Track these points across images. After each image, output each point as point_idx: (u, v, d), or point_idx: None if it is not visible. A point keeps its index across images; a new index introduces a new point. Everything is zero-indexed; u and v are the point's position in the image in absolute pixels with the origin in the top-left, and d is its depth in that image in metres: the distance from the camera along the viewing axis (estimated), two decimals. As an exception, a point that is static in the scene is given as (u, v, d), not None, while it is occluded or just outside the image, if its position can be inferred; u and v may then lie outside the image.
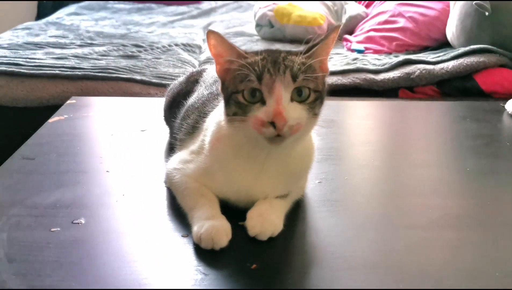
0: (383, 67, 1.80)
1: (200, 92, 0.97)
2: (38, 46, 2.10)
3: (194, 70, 1.13)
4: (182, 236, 0.72)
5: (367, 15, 2.58)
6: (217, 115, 0.79)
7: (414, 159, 1.08)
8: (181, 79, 1.12)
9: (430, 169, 1.01)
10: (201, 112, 0.88)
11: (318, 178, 0.92)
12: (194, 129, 0.87)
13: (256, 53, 0.72)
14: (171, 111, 1.02)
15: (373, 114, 1.43)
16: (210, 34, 0.71)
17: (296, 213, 0.80)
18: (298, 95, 0.69)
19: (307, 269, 0.67)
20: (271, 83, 0.68)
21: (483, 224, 0.80)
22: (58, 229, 0.72)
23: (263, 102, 0.69)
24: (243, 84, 0.69)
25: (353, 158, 1.08)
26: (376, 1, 2.66)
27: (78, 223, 0.74)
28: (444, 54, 1.88)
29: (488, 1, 1.79)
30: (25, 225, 0.73)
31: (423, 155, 1.10)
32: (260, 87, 0.68)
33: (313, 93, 0.70)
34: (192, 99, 0.96)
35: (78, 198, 0.82)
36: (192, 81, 1.05)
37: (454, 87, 1.74)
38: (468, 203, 0.87)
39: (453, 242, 0.74)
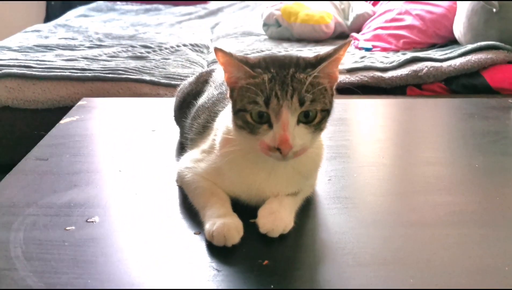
0: (390, 65, 1.80)
1: (210, 92, 0.98)
2: (48, 48, 2.12)
3: (204, 70, 1.14)
4: (195, 233, 0.73)
5: (374, 13, 2.58)
6: (226, 116, 0.81)
7: (423, 156, 1.08)
8: (191, 79, 1.13)
9: (439, 166, 1.01)
10: (211, 112, 0.89)
11: (328, 176, 0.93)
12: (204, 128, 0.89)
13: (264, 65, 0.72)
14: (182, 111, 1.03)
15: (382, 112, 1.44)
16: (218, 52, 0.71)
17: (307, 210, 0.81)
18: (305, 116, 0.70)
19: (318, 265, 0.69)
20: (278, 108, 0.68)
21: (491, 221, 0.80)
22: (73, 227, 0.74)
23: (270, 124, 0.70)
24: (251, 106, 0.70)
25: (362, 156, 1.09)
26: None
27: (92, 221, 0.76)
28: (452, 52, 1.88)
29: (495, -2, 1.79)
30: (41, 225, 0.75)
31: (431, 153, 1.10)
32: (267, 111, 0.69)
33: (320, 113, 0.71)
34: (202, 99, 0.97)
35: (91, 198, 0.83)
36: (202, 81, 1.06)
37: (462, 84, 1.74)
38: (476, 200, 0.87)
39: (461, 238, 0.75)
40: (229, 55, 0.71)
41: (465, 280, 0.65)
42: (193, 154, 0.86)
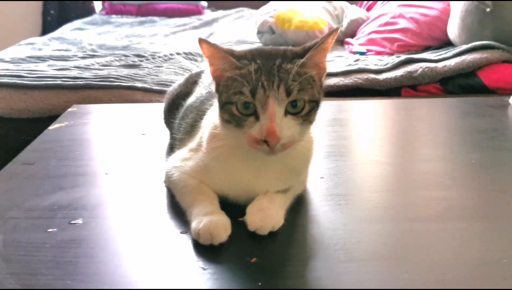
0: (385, 66, 1.78)
1: (198, 92, 0.96)
2: (41, 59, 2.11)
3: (193, 72, 1.12)
4: (181, 233, 0.71)
5: (368, 18, 2.57)
6: (214, 113, 0.79)
7: (419, 154, 1.06)
8: (180, 81, 1.11)
9: (435, 163, 0.99)
10: (200, 110, 0.87)
11: (320, 174, 0.90)
12: (192, 128, 0.86)
13: (250, 56, 0.70)
14: (171, 113, 1.01)
15: (376, 112, 1.42)
16: (202, 43, 0.69)
17: (298, 207, 0.78)
18: (292, 107, 0.68)
19: (308, 261, 0.66)
20: (264, 98, 0.66)
21: (488, 215, 0.78)
22: (55, 229, 0.71)
23: (256, 116, 0.67)
24: (236, 97, 0.68)
25: (356, 155, 1.07)
26: (377, 2, 2.66)
27: (76, 223, 0.73)
28: (446, 52, 1.86)
29: (488, -3, 1.78)
30: (22, 227, 0.72)
31: (427, 150, 1.08)
32: (253, 101, 0.67)
33: (308, 104, 0.69)
34: (190, 99, 0.96)
35: (76, 200, 0.81)
36: (191, 82, 1.05)
37: (457, 84, 1.72)
38: (473, 195, 0.85)
39: (459, 232, 0.72)
40: (214, 46, 0.69)
41: (463, 273, 0.62)
42: (180, 153, 0.84)
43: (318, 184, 0.87)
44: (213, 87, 0.75)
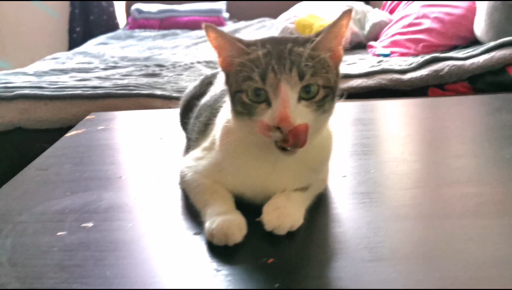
0: (409, 66, 1.72)
1: (212, 91, 0.93)
2: (63, 72, 2.12)
3: (209, 74, 1.10)
4: (194, 234, 0.67)
5: (390, 21, 2.51)
6: (227, 110, 0.75)
7: (447, 150, 1.00)
8: (195, 83, 1.09)
9: (465, 159, 0.93)
10: (213, 108, 0.84)
11: (343, 173, 0.86)
12: (206, 126, 0.83)
13: (260, 44, 0.67)
14: (186, 114, 0.99)
15: (401, 111, 1.36)
16: (208, 29, 0.66)
17: (318, 206, 0.74)
18: (306, 92, 0.63)
19: (329, 261, 0.61)
20: (276, 83, 0.62)
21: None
22: (64, 233, 0.69)
23: (268, 102, 0.63)
24: (246, 84, 0.64)
25: (381, 153, 1.01)
26: (400, 3, 2.60)
27: (86, 226, 0.70)
28: (474, 50, 1.79)
29: (516, -9, 1.71)
30: (31, 231, 0.70)
31: (456, 147, 1.02)
32: (264, 87, 0.63)
33: (323, 89, 0.64)
34: (205, 98, 0.93)
35: (88, 204, 0.78)
36: (207, 83, 1.02)
37: (487, 82, 1.64)
38: (505, 190, 0.79)
39: (492, 229, 0.66)
40: (220, 32, 0.67)
41: (498, 271, 0.57)
42: (194, 153, 0.81)
43: (341, 183, 0.82)
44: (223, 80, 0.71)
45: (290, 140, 0.62)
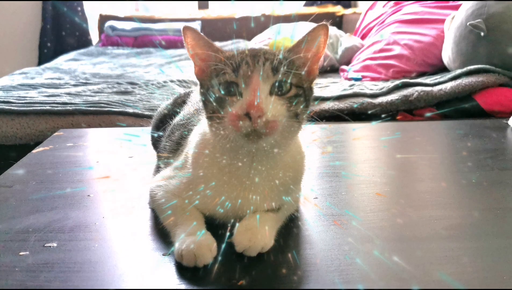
0: (380, 91, 1.76)
1: (186, 110, 0.92)
2: (32, 87, 2.08)
3: (182, 92, 1.09)
4: (163, 255, 0.66)
5: (362, 46, 2.57)
6: (201, 128, 0.75)
7: (416, 174, 1.02)
8: (168, 102, 1.08)
9: (433, 182, 0.95)
10: (186, 128, 0.83)
11: (314, 195, 0.86)
12: (178, 145, 0.83)
13: (236, 51, 0.69)
14: (158, 132, 0.97)
15: (372, 135, 1.38)
16: (187, 30, 0.67)
17: (290, 228, 0.73)
18: (278, 88, 0.65)
19: (300, 284, 0.60)
20: (248, 74, 0.64)
21: (489, 233, 0.73)
22: (27, 253, 0.66)
23: (240, 94, 0.64)
24: (218, 79, 0.65)
25: (351, 175, 1.02)
26: (372, 30, 2.66)
27: (50, 246, 0.68)
28: (442, 77, 1.84)
29: (482, 21, 1.77)
30: (-8, 250, 0.67)
31: (425, 170, 1.04)
32: (236, 80, 0.64)
33: (295, 88, 0.66)
34: (178, 117, 0.92)
35: (53, 222, 0.76)
36: (180, 102, 1.01)
37: (454, 108, 1.69)
38: (473, 214, 0.80)
39: (460, 251, 0.67)
40: (198, 33, 0.68)
41: (467, 294, 0.57)
42: (165, 172, 0.80)
43: (312, 204, 0.82)
44: (199, 96, 0.71)
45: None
